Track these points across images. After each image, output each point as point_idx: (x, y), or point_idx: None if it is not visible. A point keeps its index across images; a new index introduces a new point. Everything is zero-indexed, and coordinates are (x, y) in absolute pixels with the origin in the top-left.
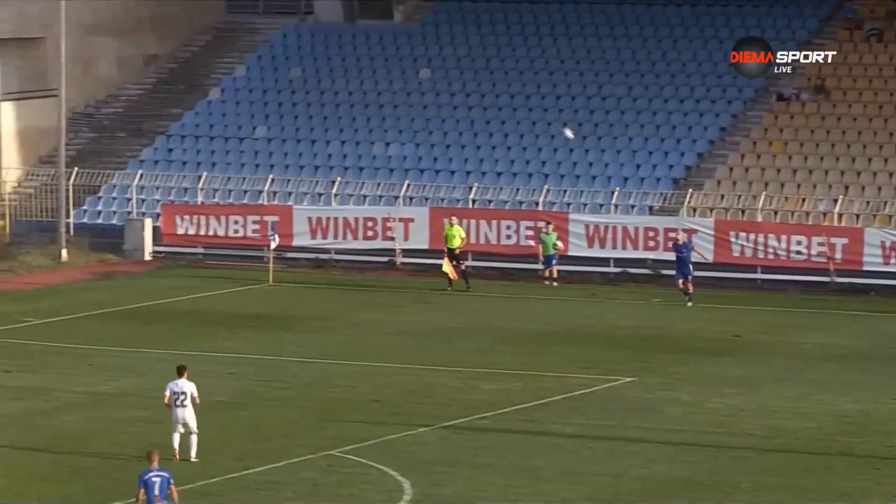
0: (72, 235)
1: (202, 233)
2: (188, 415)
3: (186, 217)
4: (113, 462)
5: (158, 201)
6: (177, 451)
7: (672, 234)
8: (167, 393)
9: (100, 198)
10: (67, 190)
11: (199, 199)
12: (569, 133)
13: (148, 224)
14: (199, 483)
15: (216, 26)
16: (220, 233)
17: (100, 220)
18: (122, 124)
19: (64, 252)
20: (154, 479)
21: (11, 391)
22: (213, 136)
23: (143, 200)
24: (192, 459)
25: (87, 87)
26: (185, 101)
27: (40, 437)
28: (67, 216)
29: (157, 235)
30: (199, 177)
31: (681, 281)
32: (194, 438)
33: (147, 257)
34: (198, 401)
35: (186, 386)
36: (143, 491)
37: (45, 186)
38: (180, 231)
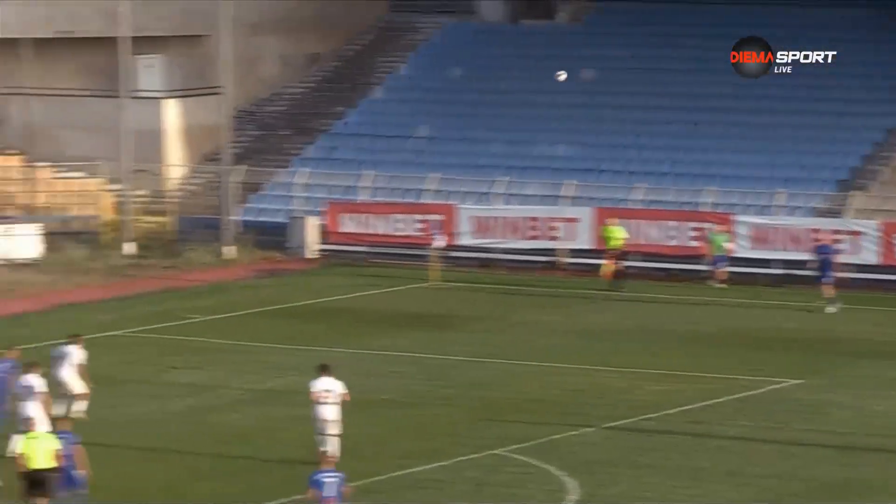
0: (238, 233)
1: (366, 231)
2: (331, 413)
3: (351, 215)
4: (278, 461)
5: (321, 199)
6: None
7: (835, 237)
8: (314, 390)
9: (264, 195)
10: (232, 187)
11: (362, 197)
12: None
13: (312, 222)
14: (364, 481)
15: (379, 25)
16: (385, 231)
17: (264, 218)
18: (285, 122)
19: (229, 249)
20: (327, 479)
21: (178, 388)
22: (375, 135)
23: (308, 198)
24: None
25: (249, 85)
26: (349, 100)
27: (205, 434)
28: (232, 213)
29: (322, 233)
30: (361, 175)
31: (823, 286)
32: (333, 438)
33: (311, 255)
34: (348, 398)
35: (332, 384)
36: (314, 491)
37: (210, 184)
38: (345, 229)
